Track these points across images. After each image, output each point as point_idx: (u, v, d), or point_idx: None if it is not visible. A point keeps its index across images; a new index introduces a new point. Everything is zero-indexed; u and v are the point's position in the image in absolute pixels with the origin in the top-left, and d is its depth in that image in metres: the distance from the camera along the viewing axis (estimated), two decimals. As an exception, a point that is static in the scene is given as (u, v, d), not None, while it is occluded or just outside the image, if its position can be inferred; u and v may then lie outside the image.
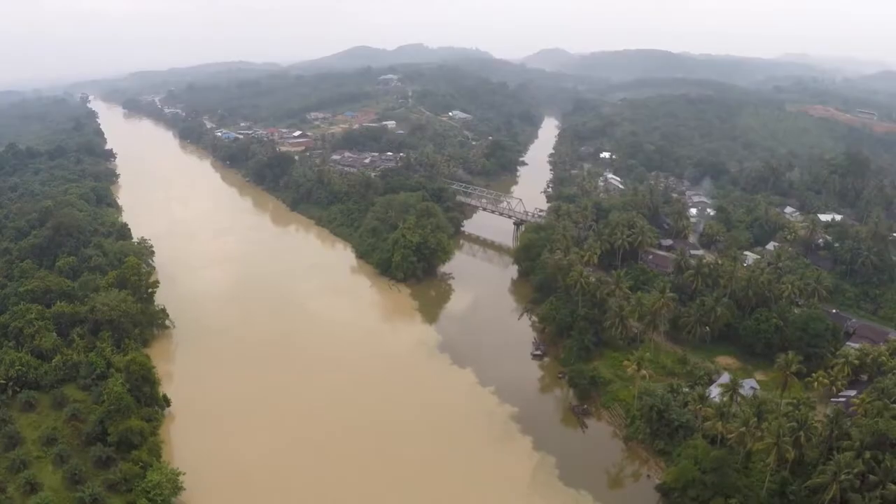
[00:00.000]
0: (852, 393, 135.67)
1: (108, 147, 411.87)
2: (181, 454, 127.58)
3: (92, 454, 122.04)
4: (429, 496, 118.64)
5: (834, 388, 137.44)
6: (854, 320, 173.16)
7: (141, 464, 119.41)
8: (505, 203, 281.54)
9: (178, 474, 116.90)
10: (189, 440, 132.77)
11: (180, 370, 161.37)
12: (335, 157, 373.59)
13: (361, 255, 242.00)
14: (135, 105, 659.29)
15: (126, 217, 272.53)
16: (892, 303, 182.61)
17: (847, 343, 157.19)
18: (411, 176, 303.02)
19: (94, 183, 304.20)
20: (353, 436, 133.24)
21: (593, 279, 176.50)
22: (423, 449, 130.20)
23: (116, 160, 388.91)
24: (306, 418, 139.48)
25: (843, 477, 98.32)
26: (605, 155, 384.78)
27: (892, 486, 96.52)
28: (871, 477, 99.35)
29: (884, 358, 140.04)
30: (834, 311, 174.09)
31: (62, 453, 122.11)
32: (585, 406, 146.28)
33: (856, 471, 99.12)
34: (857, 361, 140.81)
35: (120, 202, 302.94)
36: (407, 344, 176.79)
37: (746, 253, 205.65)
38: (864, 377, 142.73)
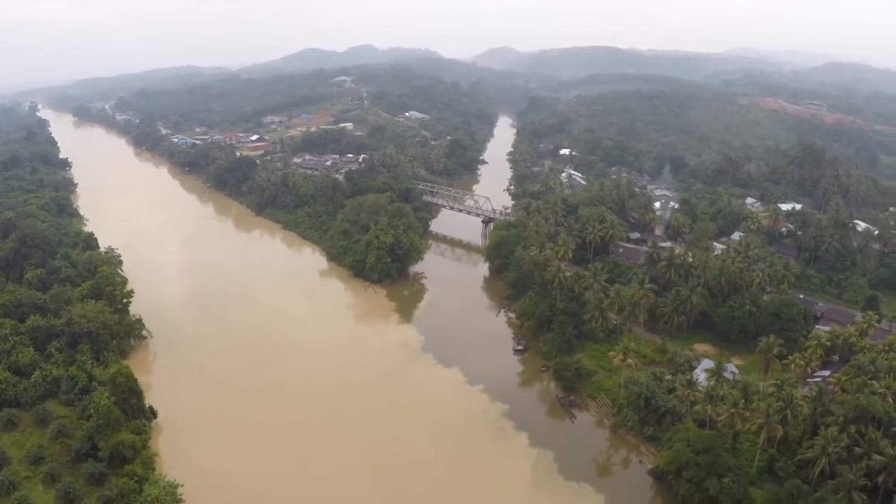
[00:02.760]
0: (826, 373, 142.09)
1: (62, 156, 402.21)
2: (175, 466, 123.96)
3: (84, 471, 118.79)
4: (436, 501, 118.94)
5: (809, 369, 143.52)
6: (821, 304, 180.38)
7: (136, 478, 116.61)
8: (472, 201, 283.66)
9: (177, 486, 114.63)
10: (180, 451, 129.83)
11: (162, 381, 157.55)
12: (296, 160, 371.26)
13: (333, 257, 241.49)
14: (85, 113, 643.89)
15: (89, 227, 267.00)
16: (855, 287, 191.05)
17: (816, 326, 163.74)
18: (376, 177, 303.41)
19: (53, 193, 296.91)
20: (347, 442, 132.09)
21: (570, 273, 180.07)
22: (422, 453, 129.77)
23: (72, 169, 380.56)
24: (297, 426, 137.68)
25: (831, 450, 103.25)
26: (565, 152, 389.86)
27: (878, 457, 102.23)
28: (857, 449, 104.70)
29: (854, 339, 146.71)
30: (801, 296, 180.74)
31: (52, 472, 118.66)
32: (572, 398, 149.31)
33: (842, 444, 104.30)
34: (828, 343, 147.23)
35: (81, 212, 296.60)
36: (391, 346, 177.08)
37: (715, 244, 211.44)
38: (836, 358, 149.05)
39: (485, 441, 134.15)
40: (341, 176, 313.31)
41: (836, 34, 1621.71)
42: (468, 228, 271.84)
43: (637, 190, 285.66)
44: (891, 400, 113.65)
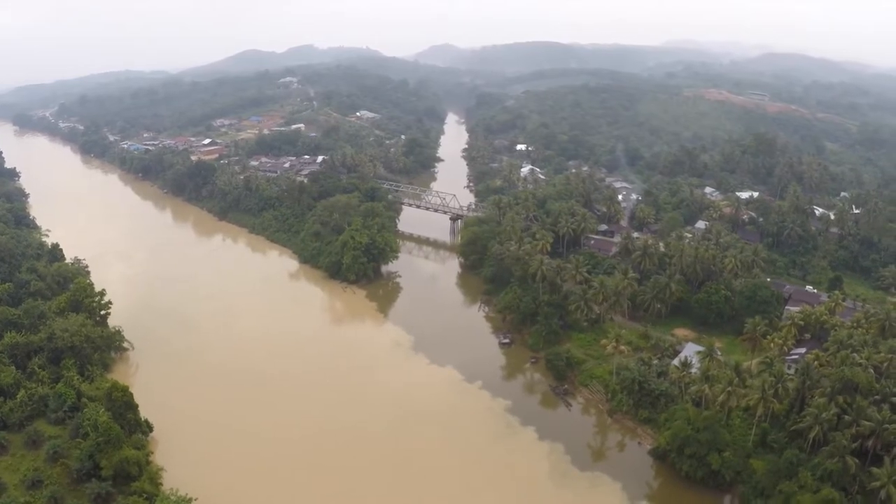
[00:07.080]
0: (801, 350, 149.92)
1: (9, 166, 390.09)
2: (181, 480, 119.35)
3: (89, 492, 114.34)
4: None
5: (785, 348, 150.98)
6: (788, 286, 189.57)
7: (145, 495, 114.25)
8: (439, 199, 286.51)
9: (190, 501, 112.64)
10: (183, 464, 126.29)
11: (150, 393, 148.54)
12: (253, 163, 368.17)
13: (306, 260, 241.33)
14: (26, 121, 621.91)
15: (50, 238, 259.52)
16: (818, 269, 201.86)
17: (786, 307, 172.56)
18: (340, 178, 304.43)
19: (8, 204, 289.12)
20: (357, 450, 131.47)
21: (553, 266, 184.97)
22: (439, 456, 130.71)
23: (21, 179, 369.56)
24: (300, 436, 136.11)
25: (823, 418, 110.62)
26: (521, 147, 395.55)
27: (866, 423, 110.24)
28: (846, 417, 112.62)
29: (825, 317, 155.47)
30: (769, 279, 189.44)
31: (55, 495, 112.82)
32: (565, 387, 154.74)
33: (832, 413, 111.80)
34: (801, 322, 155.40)
35: (38, 223, 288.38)
36: (382, 348, 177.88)
37: (685, 233, 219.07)
38: (808, 336, 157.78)
39: (497, 439, 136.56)
40: (302, 177, 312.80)
41: (772, 25, 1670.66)
42: (434, 225, 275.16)
43: (598, 183, 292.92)
44: (871, 370, 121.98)
